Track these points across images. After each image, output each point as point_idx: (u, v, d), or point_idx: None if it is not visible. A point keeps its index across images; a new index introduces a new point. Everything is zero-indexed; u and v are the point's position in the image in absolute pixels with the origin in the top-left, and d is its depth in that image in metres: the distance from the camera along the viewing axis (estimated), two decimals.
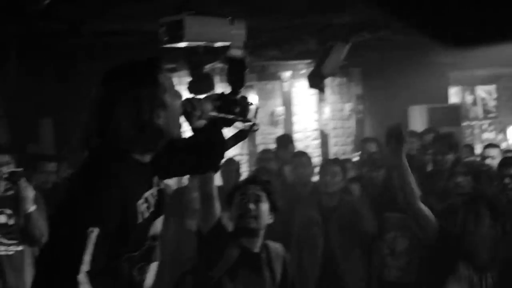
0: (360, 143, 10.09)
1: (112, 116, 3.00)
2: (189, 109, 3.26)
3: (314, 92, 11.57)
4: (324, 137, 12.45)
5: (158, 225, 3.24)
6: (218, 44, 5.30)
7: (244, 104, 3.52)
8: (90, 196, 2.89)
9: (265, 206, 4.58)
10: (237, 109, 3.47)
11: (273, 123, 11.90)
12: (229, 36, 5.11)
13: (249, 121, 3.50)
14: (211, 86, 9.27)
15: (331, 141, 12.52)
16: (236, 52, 3.56)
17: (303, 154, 8.38)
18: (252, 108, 3.52)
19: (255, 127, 3.52)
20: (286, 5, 7.32)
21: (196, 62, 9.24)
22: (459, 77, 13.83)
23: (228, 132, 3.50)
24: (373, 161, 8.00)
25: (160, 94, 3.05)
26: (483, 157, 8.33)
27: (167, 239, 7.08)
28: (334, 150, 12.50)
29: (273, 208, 4.63)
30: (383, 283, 6.84)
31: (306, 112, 12.32)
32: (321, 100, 12.40)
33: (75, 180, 3.03)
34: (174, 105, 3.12)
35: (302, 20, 8.22)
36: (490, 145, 8.80)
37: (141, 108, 3.00)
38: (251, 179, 4.81)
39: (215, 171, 3.99)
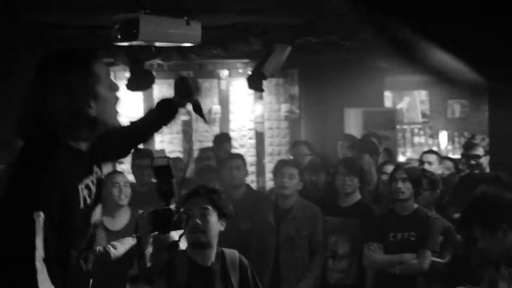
0: (291, 146, 10.09)
1: (46, 102, 3.02)
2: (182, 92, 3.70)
3: (251, 91, 11.56)
4: (259, 137, 12.48)
5: (97, 212, 3.27)
6: (173, 44, 5.27)
7: (180, 216, 3.72)
8: (32, 182, 2.90)
9: (212, 218, 4.60)
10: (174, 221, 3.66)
11: (210, 121, 11.87)
12: (184, 37, 5.08)
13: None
14: (151, 82, 9.19)
15: (267, 141, 12.55)
16: (161, 161, 3.72)
17: (237, 156, 8.36)
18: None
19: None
20: (231, 4, 7.30)
21: (136, 58, 9.15)
22: (392, 82, 14.00)
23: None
24: (312, 165, 8.04)
25: (93, 85, 3.07)
26: (421, 161, 8.47)
27: None
28: (269, 150, 12.53)
29: (222, 216, 4.65)
30: (325, 286, 6.89)
31: (243, 111, 12.33)
32: (257, 100, 12.42)
33: (14, 168, 3.02)
34: (109, 96, 3.16)
35: (247, 20, 8.22)
36: (429, 151, 8.96)
37: (72, 96, 3.03)
38: (195, 192, 4.75)
39: None
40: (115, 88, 3.21)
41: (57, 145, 3.02)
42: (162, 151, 3.81)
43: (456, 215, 7.44)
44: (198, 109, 3.82)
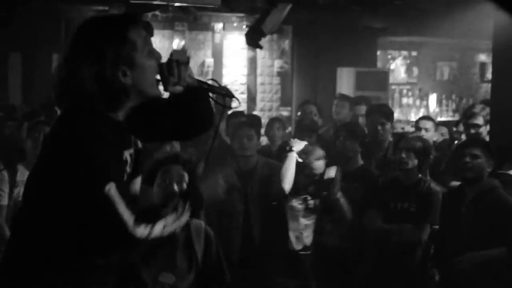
0: (299, 105, 10.01)
1: (76, 71, 2.92)
2: (166, 73, 3.12)
3: (244, 45, 11.49)
4: (251, 92, 12.44)
5: (136, 185, 3.21)
6: (192, 4, 5.20)
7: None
8: (86, 159, 2.82)
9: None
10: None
11: (202, 74, 11.82)
12: None
13: (230, 94, 3.41)
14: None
15: (258, 96, 12.54)
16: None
17: (247, 124, 8.24)
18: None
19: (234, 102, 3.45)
20: None
21: (134, 9, 9.07)
22: (384, 42, 13.97)
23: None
24: (304, 126, 8.05)
25: (128, 52, 2.96)
26: (418, 128, 8.47)
27: None
28: (260, 106, 12.53)
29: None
30: (323, 248, 6.87)
31: (236, 66, 12.28)
32: (250, 54, 12.36)
33: (55, 144, 2.95)
34: (148, 65, 3.02)
35: None
36: (425, 117, 8.97)
37: (103, 65, 2.92)
38: (174, 159, 4.76)
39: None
40: (156, 55, 3.06)
41: (96, 116, 2.93)
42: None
43: (453, 183, 7.48)
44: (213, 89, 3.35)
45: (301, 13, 10.61)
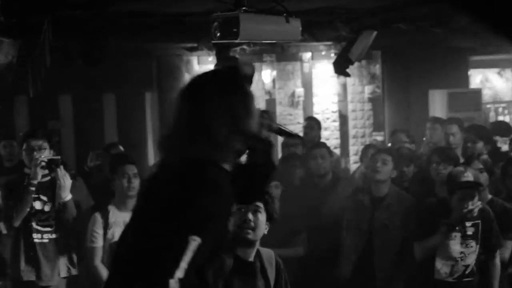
0: (390, 134, 10.02)
1: (204, 125, 3.00)
2: (266, 121, 3.22)
3: (334, 74, 11.49)
4: (343, 119, 12.41)
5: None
6: (272, 41, 5.26)
7: None
8: (198, 206, 2.92)
9: (263, 217, 4.58)
10: None
11: (293, 104, 11.86)
12: (284, 34, 5.06)
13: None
14: None
15: (350, 123, 12.47)
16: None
17: (321, 145, 8.41)
18: None
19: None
20: None
21: (222, 44, 9.16)
22: (476, 61, 13.75)
23: None
24: (402, 155, 7.96)
25: (249, 102, 3.10)
26: None
27: None
28: (353, 132, 12.46)
29: (269, 219, 4.64)
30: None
31: (326, 94, 12.26)
32: (340, 82, 12.33)
33: (175, 186, 3.00)
34: (256, 112, 3.15)
35: (331, 4, 8.14)
36: None
37: (236, 116, 3.03)
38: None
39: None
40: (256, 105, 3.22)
41: (220, 168, 3.02)
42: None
43: None
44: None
45: (388, 38, 10.56)
